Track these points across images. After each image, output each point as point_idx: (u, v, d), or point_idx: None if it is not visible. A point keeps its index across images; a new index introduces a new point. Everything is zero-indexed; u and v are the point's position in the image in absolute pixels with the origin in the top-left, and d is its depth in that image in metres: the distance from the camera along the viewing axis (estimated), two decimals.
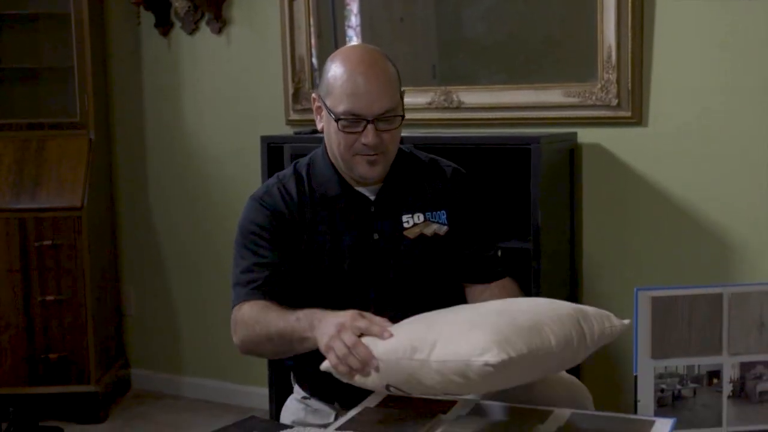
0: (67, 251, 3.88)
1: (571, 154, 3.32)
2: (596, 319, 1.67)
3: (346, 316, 1.76)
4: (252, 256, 2.01)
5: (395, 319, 2.05)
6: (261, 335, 1.91)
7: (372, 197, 2.05)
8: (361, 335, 1.71)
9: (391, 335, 1.67)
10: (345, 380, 1.71)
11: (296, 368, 2.16)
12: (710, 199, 3.16)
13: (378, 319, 1.75)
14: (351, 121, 1.95)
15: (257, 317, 1.94)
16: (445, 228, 2.06)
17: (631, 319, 1.74)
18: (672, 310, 2.43)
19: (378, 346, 1.67)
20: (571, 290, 3.37)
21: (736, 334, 2.45)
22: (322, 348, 1.74)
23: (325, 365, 1.74)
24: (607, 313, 1.71)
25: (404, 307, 2.06)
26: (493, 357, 1.47)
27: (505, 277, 2.14)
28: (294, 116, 3.84)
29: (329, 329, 1.74)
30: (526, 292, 2.99)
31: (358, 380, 1.69)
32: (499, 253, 2.15)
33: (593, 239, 3.36)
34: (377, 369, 1.65)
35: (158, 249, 4.34)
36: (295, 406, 2.14)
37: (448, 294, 2.06)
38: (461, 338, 1.54)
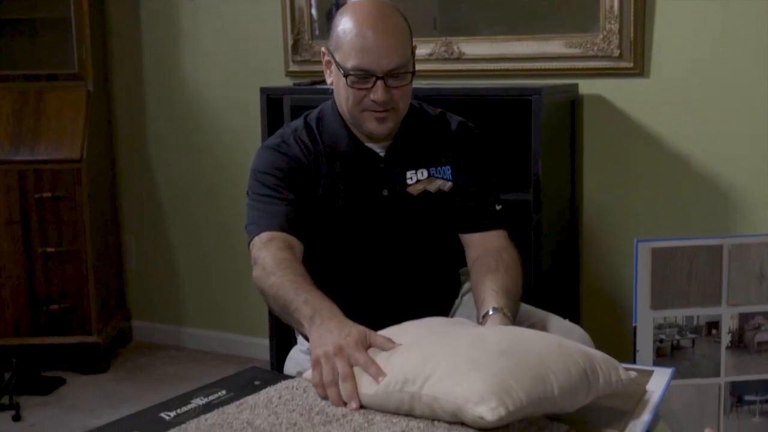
0: (66, 203, 3.88)
1: (573, 106, 3.31)
2: (603, 371, 1.51)
3: (350, 337, 1.57)
4: (273, 194, 1.98)
5: (397, 274, 2.06)
6: (270, 291, 1.84)
7: (382, 153, 2.05)
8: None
9: (384, 376, 1.49)
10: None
11: None
12: (711, 150, 3.15)
13: (381, 341, 1.57)
14: (360, 77, 1.93)
15: (275, 269, 1.84)
16: (449, 184, 2.06)
17: (636, 366, 1.64)
18: (672, 262, 2.43)
19: (368, 383, 1.50)
20: (571, 242, 3.37)
21: (735, 285, 2.46)
22: (312, 357, 1.60)
23: (306, 375, 1.61)
24: (616, 363, 1.55)
25: (406, 262, 2.07)
26: (489, 412, 1.34)
27: (501, 229, 2.11)
28: (293, 68, 3.82)
29: (326, 342, 1.58)
30: (526, 243, 3.00)
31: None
32: (498, 207, 2.14)
33: (594, 191, 3.36)
34: (358, 407, 1.48)
35: (158, 201, 4.34)
36: (300, 357, 2.15)
37: (450, 250, 2.06)
38: (459, 378, 1.40)
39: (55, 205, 3.87)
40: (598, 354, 1.55)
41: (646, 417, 1.50)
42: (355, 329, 1.60)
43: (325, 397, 1.50)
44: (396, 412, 1.46)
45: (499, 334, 1.57)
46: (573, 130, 3.33)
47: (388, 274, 2.07)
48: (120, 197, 4.41)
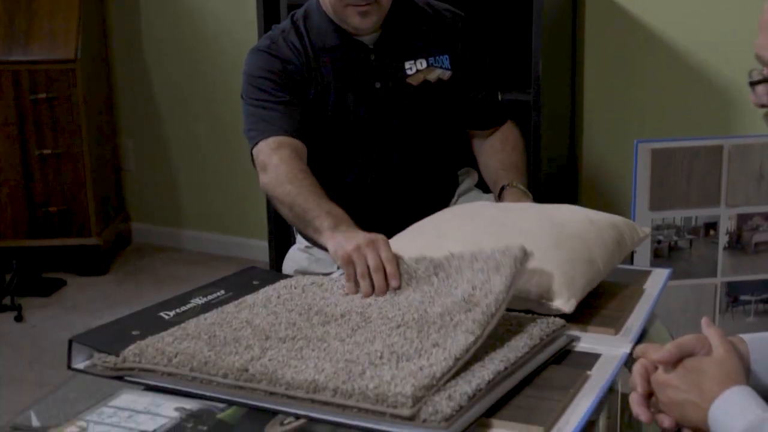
0: (62, 104, 3.84)
1: (574, 4, 3.25)
2: (628, 235, 1.67)
3: (378, 237, 1.56)
4: (270, 98, 1.97)
5: (393, 168, 2.06)
6: (286, 199, 1.83)
7: (371, 45, 2.02)
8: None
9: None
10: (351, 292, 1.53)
11: None
12: (713, 51, 3.11)
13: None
14: None
15: (292, 178, 1.84)
16: (448, 73, 2.04)
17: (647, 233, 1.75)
18: (672, 163, 2.43)
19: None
20: (571, 143, 3.35)
21: (734, 186, 2.46)
22: (341, 254, 1.56)
23: (334, 275, 1.63)
24: (633, 224, 1.73)
25: (409, 155, 2.06)
26: (565, 305, 1.45)
27: (507, 122, 2.18)
28: None
29: (357, 237, 1.57)
30: (526, 145, 2.98)
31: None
32: (500, 97, 2.15)
33: (594, 91, 3.33)
34: (399, 284, 1.48)
35: (155, 102, 4.30)
36: (298, 256, 2.16)
37: (453, 141, 2.07)
38: (528, 276, 1.46)
39: (51, 106, 3.84)
40: (620, 220, 1.70)
41: (642, 316, 1.51)
42: (381, 235, 1.60)
43: (355, 293, 1.50)
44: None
45: (541, 223, 1.62)
46: (574, 29, 3.28)
47: (384, 168, 2.06)
48: (116, 99, 4.37)
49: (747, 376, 1.18)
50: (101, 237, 4.02)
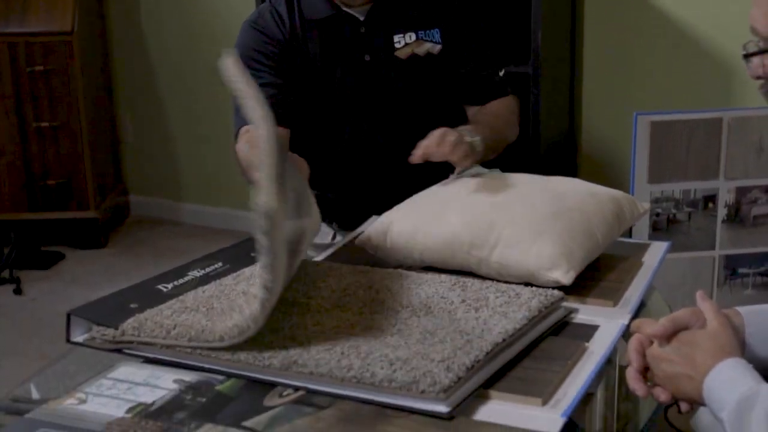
0: (59, 77, 3.82)
1: None
2: (627, 209, 1.68)
3: None
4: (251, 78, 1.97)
5: (392, 140, 2.04)
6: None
7: (361, 18, 2.00)
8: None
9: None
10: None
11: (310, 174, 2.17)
12: (713, 22, 3.09)
13: None
14: None
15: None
16: (438, 47, 2.02)
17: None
18: (671, 135, 2.42)
19: (435, 239, 1.58)
20: (571, 115, 3.35)
21: (734, 159, 2.45)
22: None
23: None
24: (633, 199, 1.73)
25: (401, 128, 2.04)
26: (563, 276, 1.46)
27: (507, 95, 2.11)
28: None
29: None
30: (524, 118, 2.97)
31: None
32: (502, 73, 2.11)
33: (594, 63, 3.31)
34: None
35: (153, 74, 4.28)
36: None
37: (446, 116, 2.04)
38: (525, 246, 1.50)
39: (48, 78, 3.82)
40: (620, 194, 1.70)
41: (641, 289, 1.51)
42: None
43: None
44: (457, 269, 1.55)
45: (542, 195, 1.63)
46: (573, 1, 3.26)
47: (372, 142, 2.05)
48: (114, 71, 4.34)
49: (742, 348, 1.19)
50: (100, 210, 4.02)
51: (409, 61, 2.00)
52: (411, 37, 2.01)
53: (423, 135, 1.90)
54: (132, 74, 4.32)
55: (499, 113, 2.04)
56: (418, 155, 1.72)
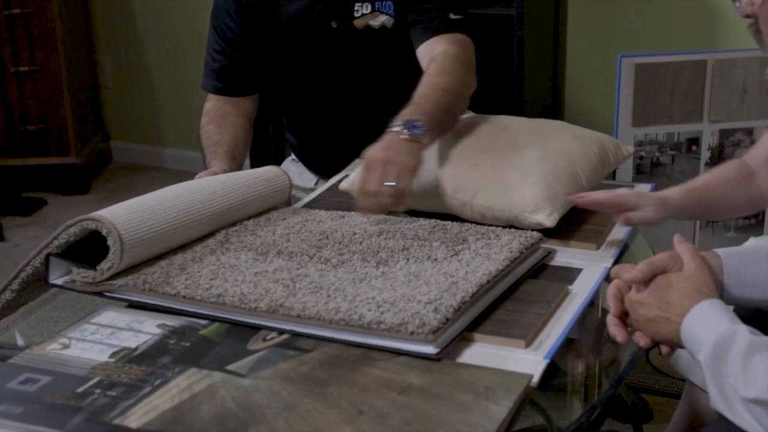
0: (37, 20, 3.77)
1: None
2: (612, 151, 1.69)
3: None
4: (215, 40, 2.01)
5: (356, 110, 2.02)
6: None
7: None
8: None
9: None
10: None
11: (290, 126, 2.18)
12: None
13: None
14: None
15: (212, 132, 2.00)
16: (392, 20, 1.95)
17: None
18: (655, 78, 2.41)
19: (417, 184, 1.53)
20: (555, 59, 3.33)
21: (717, 101, 2.45)
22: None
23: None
24: (618, 142, 1.74)
25: (362, 97, 2.02)
26: (546, 218, 1.46)
27: (454, 33, 1.86)
28: None
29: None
30: (509, 61, 2.95)
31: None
32: (457, 16, 1.88)
33: (578, 5, 3.29)
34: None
35: (134, 18, 4.22)
36: (287, 167, 2.17)
37: (409, 85, 1.90)
38: (510, 188, 1.49)
39: (26, 22, 3.77)
40: (604, 137, 1.71)
41: (624, 231, 1.51)
42: None
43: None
44: (440, 212, 1.55)
45: (526, 137, 1.63)
46: None
47: (344, 107, 2.03)
48: (94, 16, 4.28)
49: (719, 290, 1.19)
50: (81, 156, 3.99)
51: (364, 32, 1.94)
52: (368, 7, 1.94)
53: (391, 99, 1.76)
54: (112, 17, 4.26)
55: (447, 87, 1.71)
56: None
